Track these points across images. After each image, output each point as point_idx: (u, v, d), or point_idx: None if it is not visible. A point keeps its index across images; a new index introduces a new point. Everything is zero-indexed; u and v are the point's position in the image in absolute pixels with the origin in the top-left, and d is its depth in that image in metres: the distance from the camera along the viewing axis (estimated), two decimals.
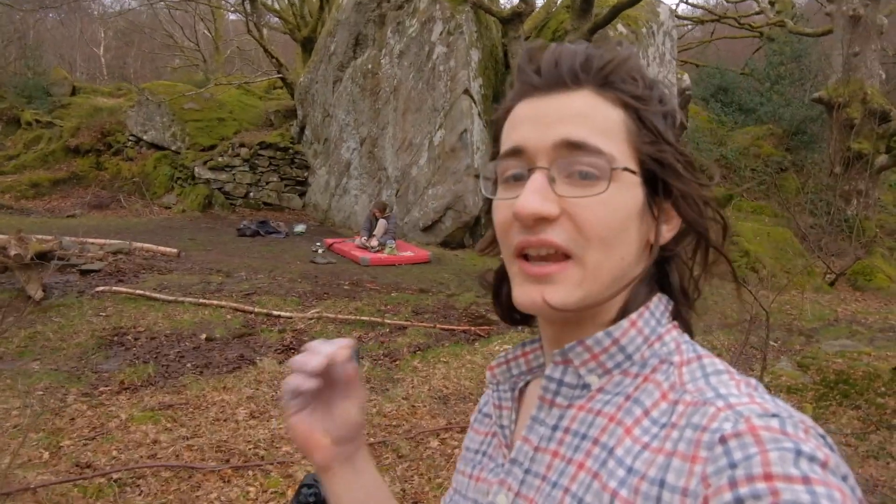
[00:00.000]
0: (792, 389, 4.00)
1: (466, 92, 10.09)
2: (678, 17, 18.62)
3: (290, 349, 4.95)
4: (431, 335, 5.35)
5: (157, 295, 5.87)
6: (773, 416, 0.44)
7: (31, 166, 12.26)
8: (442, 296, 6.89)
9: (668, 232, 0.56)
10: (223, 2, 21.03)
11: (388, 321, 5.64)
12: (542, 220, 0.51)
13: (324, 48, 12.14)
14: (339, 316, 5.76)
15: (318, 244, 9.28)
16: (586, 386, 0.55)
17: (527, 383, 0.65)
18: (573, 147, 0.51)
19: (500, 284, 0.63)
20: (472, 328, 5.58)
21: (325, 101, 12.01)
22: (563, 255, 0.52)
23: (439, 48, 10.22)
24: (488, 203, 0.58)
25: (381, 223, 8.91)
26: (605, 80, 0.53)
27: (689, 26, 22.88)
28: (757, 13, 18.03)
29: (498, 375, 0.65)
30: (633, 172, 0.53)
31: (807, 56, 14.37)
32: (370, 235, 8.95)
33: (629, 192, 0.52)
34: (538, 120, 0.53)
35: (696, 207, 0.55)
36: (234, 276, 7.11)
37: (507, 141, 0.56)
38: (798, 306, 6.64)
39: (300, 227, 10.60)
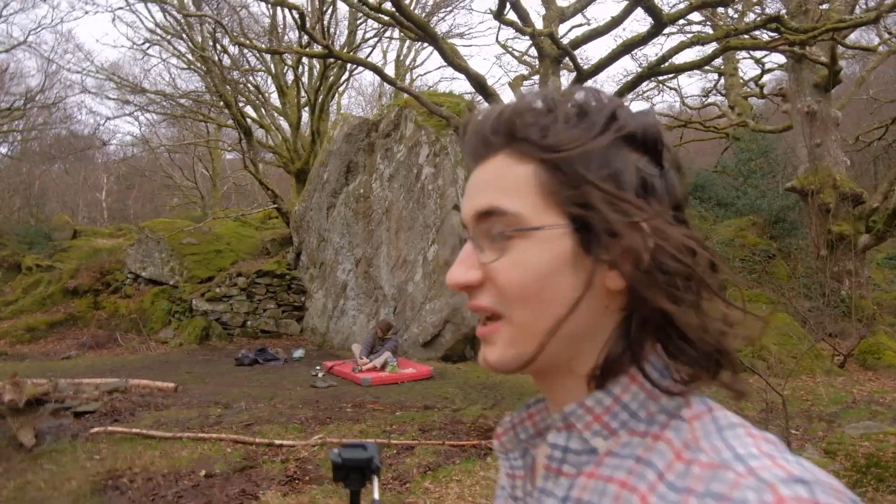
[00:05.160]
0: None
1: (456, 207, 10.47)
2: None
3: (294, 479, 4.71)
4: (441, 453, 5.13)
5: (154, 432, 5.67)
6: (800, 481, 0.40)
7: (29, 310, 12.30)
8: (448, 411, 6.69)
9: (618, 278, 0.51)
10: (220, 142, 22.33)
11: (395, 441, 5.43)
12: (468, 287, 0.54)
13: (317, 177, 12.74)
14: (344, 440, 5.55)
15: (318, 368, 9.13)
16: (593, 450, 0.52)
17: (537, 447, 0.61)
18: (485, 215, 0.53)
19: None
20: (483, 442, 5.37)
21: (319, 227, 12.39)
22: (497, 316, 0.53)
23: (427, 169, 10.76)
24: None
25: (387, 345, 8.86)
26: (513, 136, 0.53)
27: None
28: (719, 117, 19.30)
29: (506, 443, 0.61)
30: (551, 227, 0.51)
31: (773, 150, 15.18)
32: (370, 353, 8.86)
33: (546, 246, 0.51)
34: (467, 192, 0.57)
35: (634, 245, 0.49)
36: (233, 406, 6.92)
37: None
38: (812, 391, 6.49)
39: (299, 353, 10.47)
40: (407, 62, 22.98)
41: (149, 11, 18.33)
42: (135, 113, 20.79)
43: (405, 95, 12.19)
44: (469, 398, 7.24)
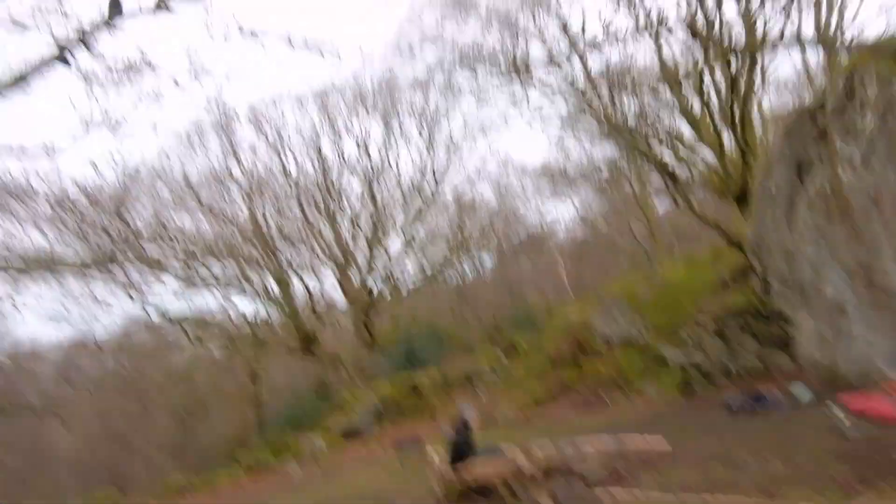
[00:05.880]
0: None
1: None
2: None
3: None
4: None
5: (660, 497, 5.21)
6: None
7: (530, 383, 14.17)
8: None
9: None
10: (650, 195, 22.44)
11: None
12: None
13: (764, 193, 11.05)
14: None
15: (837, 408, 7.17)
16: None
17: None
18: None
19: None
20: None
21: (783, 244, 10.49)
22: None
23: None
24: None
25: None
26: None
27: None
28: None
29: None
30: None
31: None
32: None
33: None
34: None
35: None
36: (739, 465, 5.91)
37: None
38: None
39: (801, 392, 8.65)
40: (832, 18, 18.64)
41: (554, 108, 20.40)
42: (566, 195, 23.01)
43: (849, 57, 9.67)
44: None
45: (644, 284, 13.81)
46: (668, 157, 18.42)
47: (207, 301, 22.56)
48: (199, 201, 22.10)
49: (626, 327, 13.07)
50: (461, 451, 7.10)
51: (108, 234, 17.94)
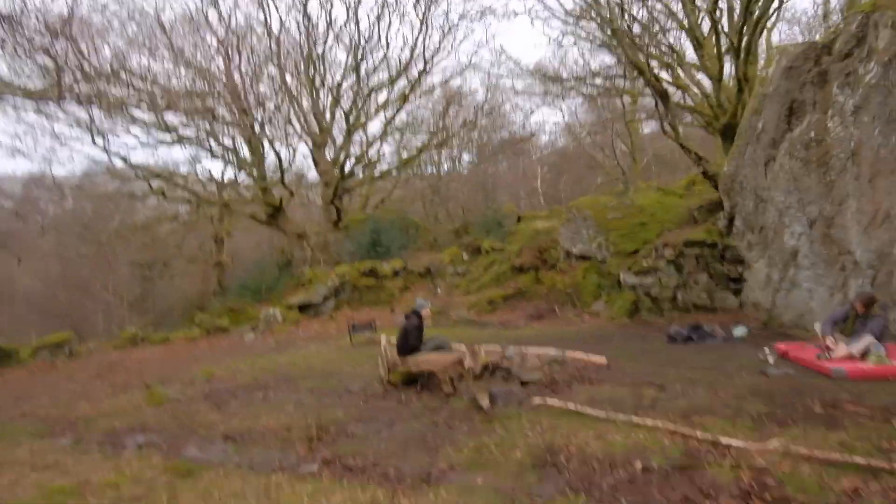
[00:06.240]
0: None
1: None
2: None
3: (750, 495, 3.76)
4: None
5: (589, 410, 5.55)
6: None
7: (488, 286, 14.55)
8: None
9: None
10: (637, 113, 21.97)
11: None
12: None
13: (749, 129, 10.90)
14: (816, 453, 4.24)
15: (768, 351, 7.65)
16: None
17: None
18: None
19: None
20: None
21: (756, 186, 10.56)
22: None
23: None
24: None
25: (870, 325, 6.74)
26: None
27: None
28: None
29: None
30: None
31: None
32: (843, 335, 6.89)
33: None
34: None
35: None
36: (668, 389, 6.30)
37: None
38: None
39: (740, 331, 9.11)
40: None
41: (558, 2, 19.23)
42: (555, 101, 22.32)
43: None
44: None
45: (615, 205, 13.88)
46: (664, 76, 17.89)
47: (174, 155, 21.88)
48: (171, 46, 20.68)
49: (589, 245, 13.30)
50: (409, 341, 7.35)
51: (55, 59, 16.51)
